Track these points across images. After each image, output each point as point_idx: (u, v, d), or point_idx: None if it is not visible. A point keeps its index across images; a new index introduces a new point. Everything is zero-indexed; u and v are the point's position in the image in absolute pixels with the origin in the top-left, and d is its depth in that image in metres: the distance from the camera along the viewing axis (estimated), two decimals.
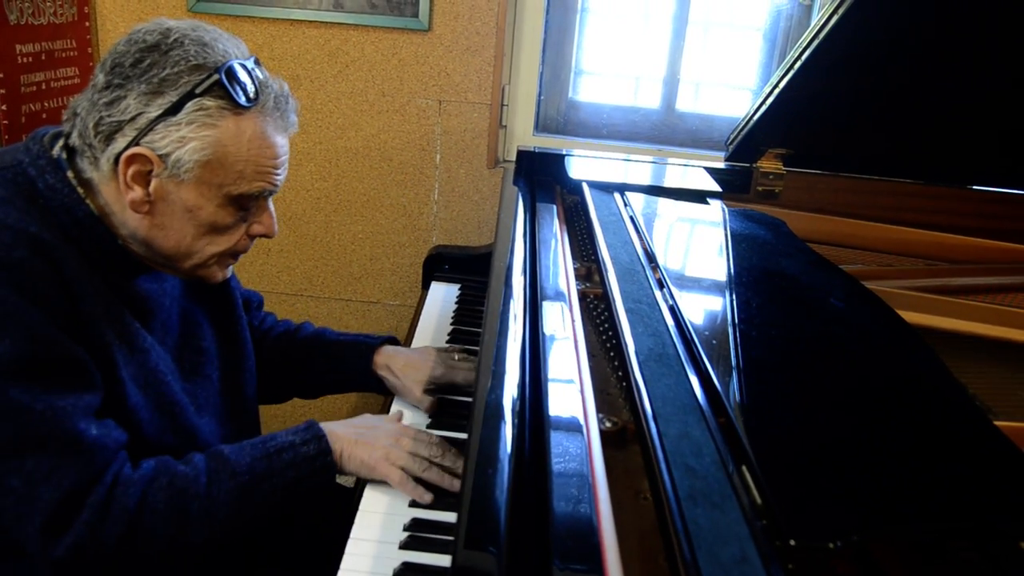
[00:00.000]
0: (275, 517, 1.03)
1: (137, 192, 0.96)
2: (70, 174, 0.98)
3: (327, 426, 1.11)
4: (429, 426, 1.27)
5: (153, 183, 0.96)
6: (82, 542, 0.89)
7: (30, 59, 1.92)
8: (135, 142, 0.94)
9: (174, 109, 0.93)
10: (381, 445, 1.10)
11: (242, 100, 0.96)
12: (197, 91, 0.94)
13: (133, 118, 0.93)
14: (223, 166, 0.97)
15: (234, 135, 0.96)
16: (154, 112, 0.93)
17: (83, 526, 0.89)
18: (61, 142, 1.00)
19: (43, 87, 1.98)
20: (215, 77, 0.94)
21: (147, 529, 0.93)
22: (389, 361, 1.37)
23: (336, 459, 1.08)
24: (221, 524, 0.98)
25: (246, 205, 1.03)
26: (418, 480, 1.09)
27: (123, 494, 0.92)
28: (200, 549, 0.97)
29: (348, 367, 1.39)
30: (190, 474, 0.98)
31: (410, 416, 1.31)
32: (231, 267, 1.12)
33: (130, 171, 0.95)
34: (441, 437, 1.16)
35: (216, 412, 1.17)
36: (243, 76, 0.97)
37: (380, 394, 1.41)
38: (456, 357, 1.38)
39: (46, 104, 2.00)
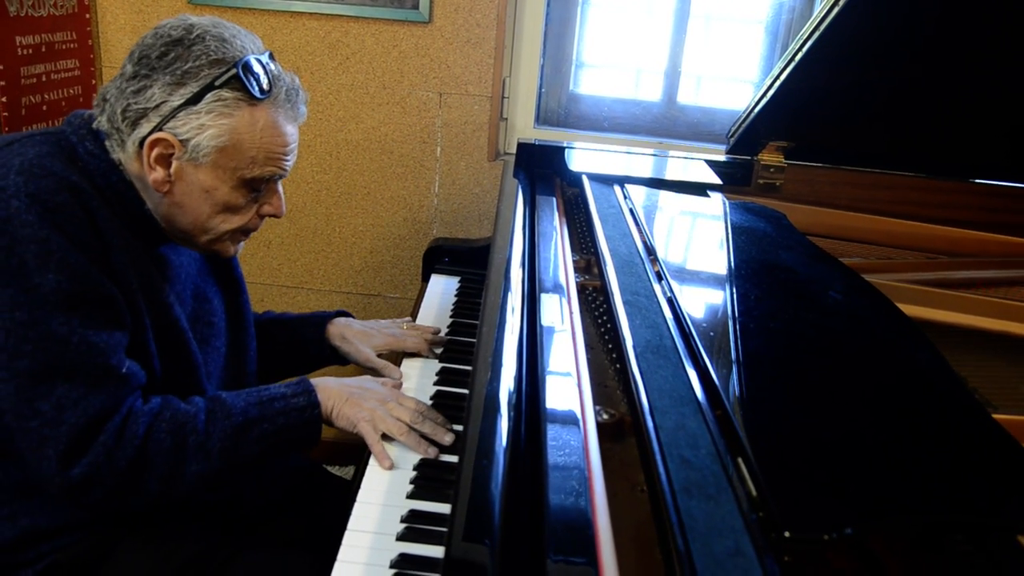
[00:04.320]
0: (263, 460, 1.11)
1: (159, 173, 1.05)
2: (108, 143, 1.06)
3: (321, 382, 1.18)
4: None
5: (174, 165, 1.05)
6: (98, 461, 0.99)
7: (30, 51, 1.92)
8: (159, 127, 1.03)
9: (195, 99, 1.02)
10: (368, 407, 1.17)
11: (256, 92, 1.05)
12: (216, 83, 1.02)
13: (157, 106, 1.02)
14: (238, 152, 1.06)
15: (248, 124, 1.05)
16: (177, 101, 1.02)
17: (100, 447, 0.99)
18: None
19: (43, 79, 1.98)
20: (233, 71, 1.03)
21: (151, 457, 1.02)
22: (343, 330, 1.46)
23: (327, 414, 1.16)
24: (214, 459, 1.06)
25: (257, 187, 1.12)
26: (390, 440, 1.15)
27: (134, 423, 1.02)
28: (194, 483, 1.06)
29: (304, 340, 1.47)
30: (190, 411, 1.07)
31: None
32: (242, 243, 1.20)
33: (153, 153, 1.04)
34: (429, 406, 1.21)
35: (220, 384, 1.24)
36: (258, 70, 1.05)
37: (338, 366, 1.48)
38: (404, 326, 1.49)
39: (46, 96, 1.99)
